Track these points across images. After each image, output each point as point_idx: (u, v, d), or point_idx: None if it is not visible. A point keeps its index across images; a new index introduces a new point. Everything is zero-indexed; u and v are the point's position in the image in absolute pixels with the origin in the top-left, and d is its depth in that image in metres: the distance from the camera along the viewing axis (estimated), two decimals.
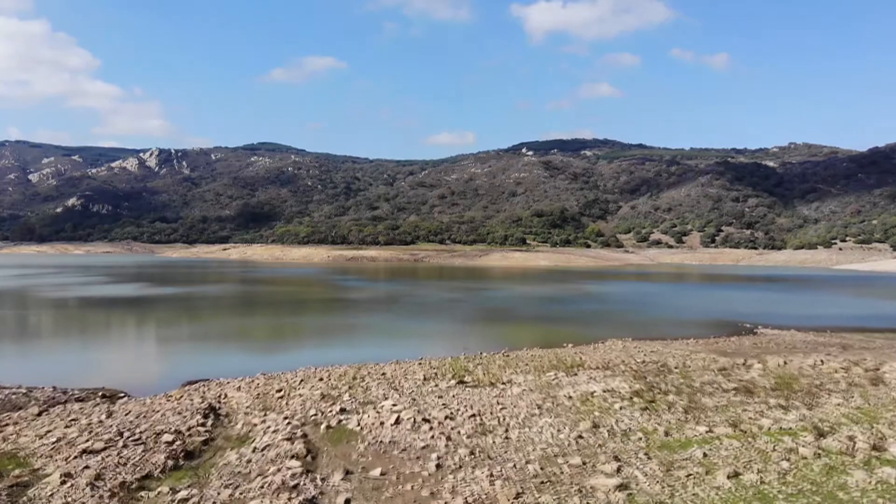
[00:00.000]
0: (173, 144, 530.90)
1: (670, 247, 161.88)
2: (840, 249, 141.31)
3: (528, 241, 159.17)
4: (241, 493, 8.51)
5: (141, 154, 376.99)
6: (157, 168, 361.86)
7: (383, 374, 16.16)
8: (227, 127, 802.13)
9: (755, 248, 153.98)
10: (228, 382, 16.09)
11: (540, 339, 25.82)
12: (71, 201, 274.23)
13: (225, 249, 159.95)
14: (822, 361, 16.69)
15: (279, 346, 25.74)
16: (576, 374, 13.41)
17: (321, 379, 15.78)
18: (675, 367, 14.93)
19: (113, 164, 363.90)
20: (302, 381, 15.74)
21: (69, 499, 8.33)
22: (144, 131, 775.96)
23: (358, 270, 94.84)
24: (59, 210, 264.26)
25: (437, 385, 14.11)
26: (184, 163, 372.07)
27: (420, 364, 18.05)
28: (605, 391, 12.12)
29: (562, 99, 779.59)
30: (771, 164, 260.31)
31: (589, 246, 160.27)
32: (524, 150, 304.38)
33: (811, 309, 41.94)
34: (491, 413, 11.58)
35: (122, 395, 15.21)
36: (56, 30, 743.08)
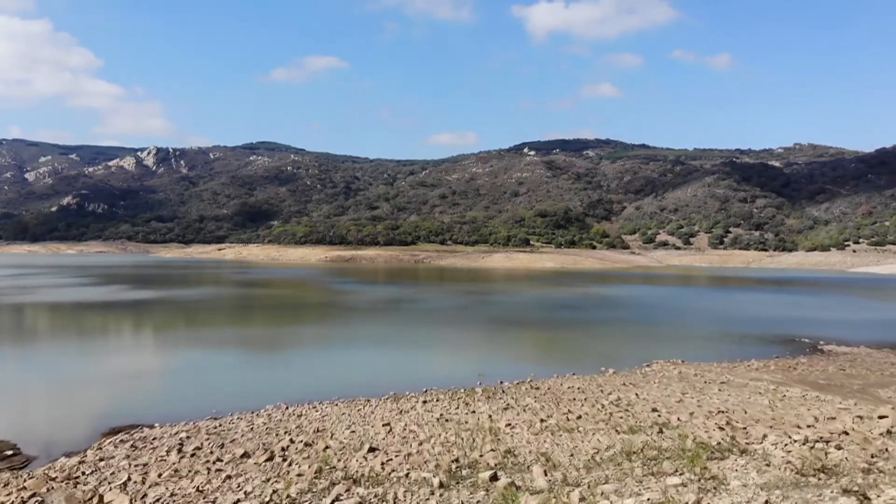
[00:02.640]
0: (174, 144, 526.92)
1: (678, 248, 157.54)
2: (854, 252, 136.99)
3: (531, 242, 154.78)
4: None
5: (138, 153, 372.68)
6: (154, 167, 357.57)
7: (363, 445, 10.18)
8: (228, 127, 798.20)
9: (765, 250, 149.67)
10: (166, 434, 11.77)
11: (566, 357, 21.55)
12: (66, 200, 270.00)
13: (220, 249, 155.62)
14: None
15: (257, 367, 21.43)
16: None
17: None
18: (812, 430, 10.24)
19: (110, 163, 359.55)
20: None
21: None
22: (145, 131, 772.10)
23: (356, 272, 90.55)
24: (53, 209, 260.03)
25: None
26: (182, 162, 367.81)
27: (425, 404, 13.72)
28: None
29: (563, 99, 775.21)
30: (776, 164, 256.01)
31: (594, 247, 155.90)
32: (526, 150, 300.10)
33: (852, 314, 37.67)
34: None
35: (13, 452, 10.93)
36: (58, 29, 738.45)
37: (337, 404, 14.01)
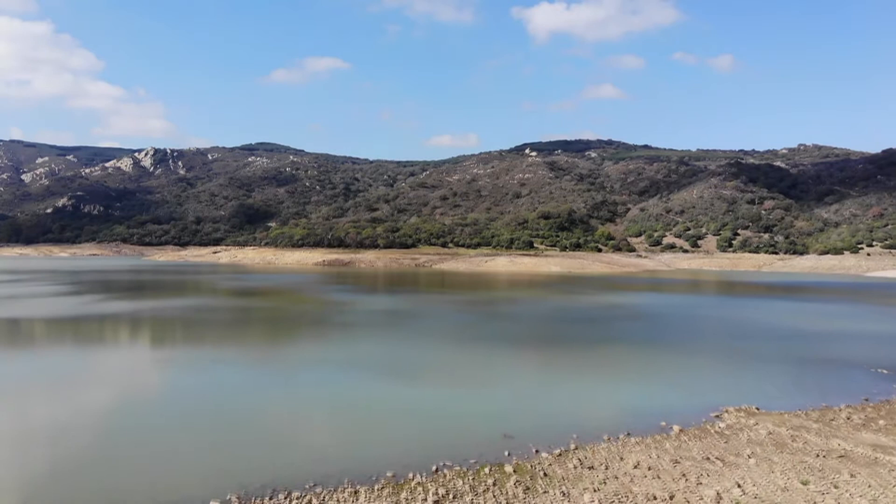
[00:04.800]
0: (174, 144, 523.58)
1: (685, 251, 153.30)
2: (868, 255, 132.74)
3: (535, 245, 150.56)
4: None
5: (136, 154, 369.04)
6: (151, 168, 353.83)
7: None
8: (228, 128, 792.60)
9: (776, 253, 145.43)
10: None
11: (606, 398, 17.38)
12: (62, 201, 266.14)
13: (215, 252, 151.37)
14: None
15: (204, 436, 17.15)
16: None
17: None
18: None
19: (107, 164, 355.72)
20: None
21: None
22: (146, 132, 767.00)
23: (354, 277, 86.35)
24: (48, 210, 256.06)
25: None
26: (179, 163, 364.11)
27: None
28: None
29: (564, 101, 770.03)
30: (782, 165, 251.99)
31: (600, 250, 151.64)
32: (528, 151, 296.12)
33: None
34: None
35: None
36: (60, 31, 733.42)
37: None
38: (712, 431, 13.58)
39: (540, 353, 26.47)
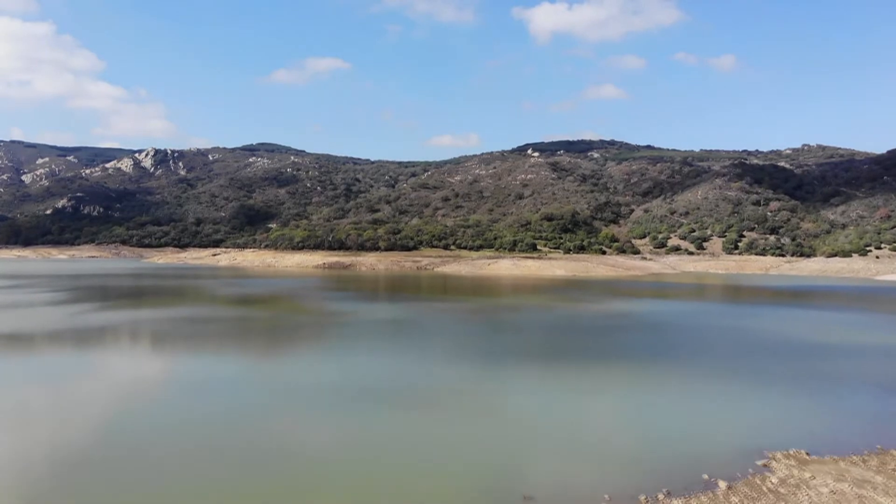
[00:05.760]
0: (175, 145, 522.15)
1: (691, 253, 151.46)
2: (877, 258, 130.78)
3: (538, 247, 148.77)
4: None
5: (136, 154, 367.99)
6: (152, 169, 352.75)
7: None
8: (229, 128, 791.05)
9: (782, 255, 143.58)
10: None
11: (635, 444, 15.58)
12: (61, 202, 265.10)
13: (214, 255, 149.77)
14: None
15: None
16: None
17: None
18: None
19: (107, 165, 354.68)
20: None
21: None
22: (147, 132, 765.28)
23: (355, 281, 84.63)
24: (48, 212, 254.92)
25: None
26: (180, 163, 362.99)
27: None
28: None
29: (565, 101, 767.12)
30: (786, 165, 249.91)
31: (604, 252, 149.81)
32: (530, 151, 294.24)
33: None
34: None
35: None
36: (61, 32, 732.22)
37: None
38: (764, 489, 11.75)
39: (547, 368, 24.57)
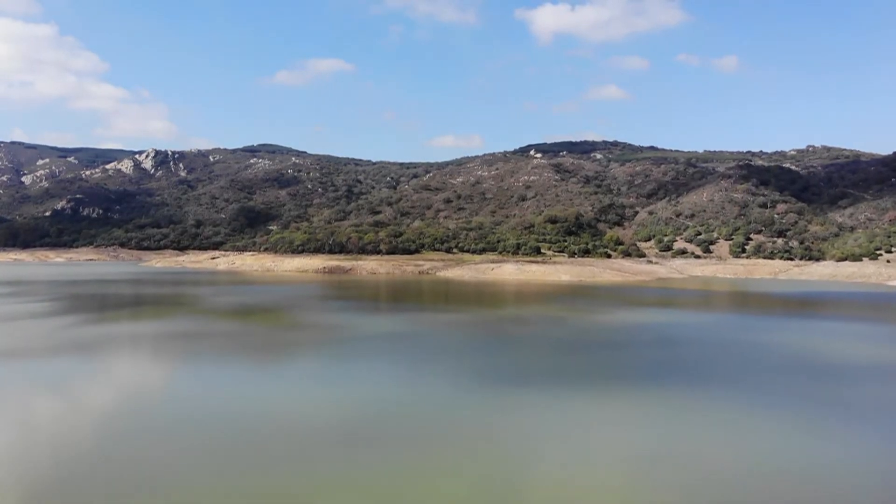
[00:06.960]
0: (176, 146, 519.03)
1: (697, 257, 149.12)
2: (888, 262, 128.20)
3: (542, 251, 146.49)
4: None
5: (136, 155, 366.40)
6: (152, 170, 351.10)
7: None
8: (231, 129, 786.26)
9: (791, 259, 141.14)
10: None
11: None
12: (61, 204, 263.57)
13: (213, 258, 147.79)
14: None
15: None
16: None
17: None
18: None
19: (107, 166, 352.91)
20: None
21: None
22: (148, 133, 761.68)
23: (355, 287, 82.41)
24: (47, 213, 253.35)
25: None
26: (181, 164, 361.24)
27: None
28: None
29: (568, 101, 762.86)
30: (791, 167, 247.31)
31: (609, 255, 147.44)
32: (532, 152, 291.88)
33: None
34: None
35: None
36: (64, 33, 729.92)
37: None
38: None
39: (569, 397, 22.28)
